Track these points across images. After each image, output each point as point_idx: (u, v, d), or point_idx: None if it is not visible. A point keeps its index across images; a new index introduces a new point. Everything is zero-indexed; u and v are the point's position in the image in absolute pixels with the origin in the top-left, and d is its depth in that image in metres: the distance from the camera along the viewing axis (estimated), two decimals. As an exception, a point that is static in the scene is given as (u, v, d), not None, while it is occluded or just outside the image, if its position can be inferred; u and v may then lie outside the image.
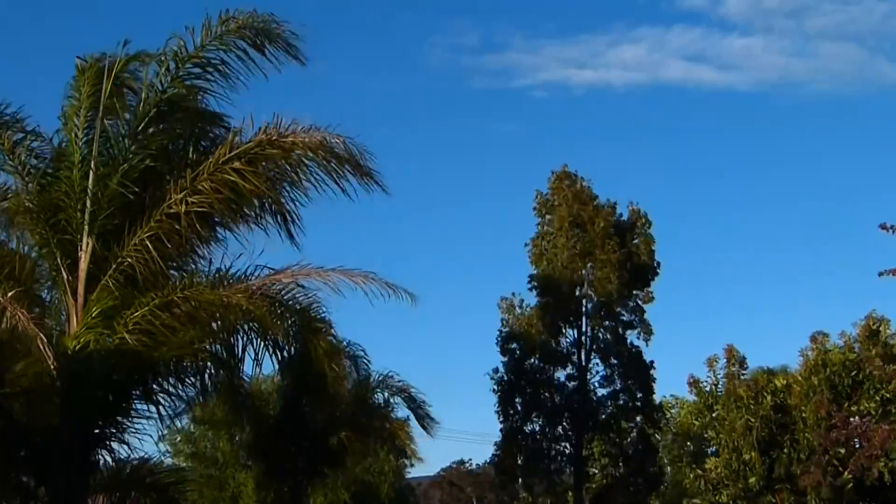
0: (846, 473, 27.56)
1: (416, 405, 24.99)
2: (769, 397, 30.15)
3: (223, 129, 14.34)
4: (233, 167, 13.26)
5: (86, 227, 13.60)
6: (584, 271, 36.85)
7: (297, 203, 13.90)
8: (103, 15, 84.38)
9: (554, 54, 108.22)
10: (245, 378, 22.10)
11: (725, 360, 32.98)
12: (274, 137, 13.41)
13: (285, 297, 14.24)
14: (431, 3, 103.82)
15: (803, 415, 29.28)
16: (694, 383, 34.55)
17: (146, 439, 14.34)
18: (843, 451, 27.04)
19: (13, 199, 14.27)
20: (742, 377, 31.79)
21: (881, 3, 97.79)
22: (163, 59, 13.91)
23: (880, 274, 16.14)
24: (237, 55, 13.96)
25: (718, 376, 33.35)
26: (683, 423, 35.32)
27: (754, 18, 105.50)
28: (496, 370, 37.30)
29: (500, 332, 37.56)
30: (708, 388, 33.99)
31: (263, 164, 13.57)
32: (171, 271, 13.82)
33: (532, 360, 37.29)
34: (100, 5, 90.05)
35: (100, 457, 13.84)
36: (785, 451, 29.40)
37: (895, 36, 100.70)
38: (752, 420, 29.88)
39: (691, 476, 32.08)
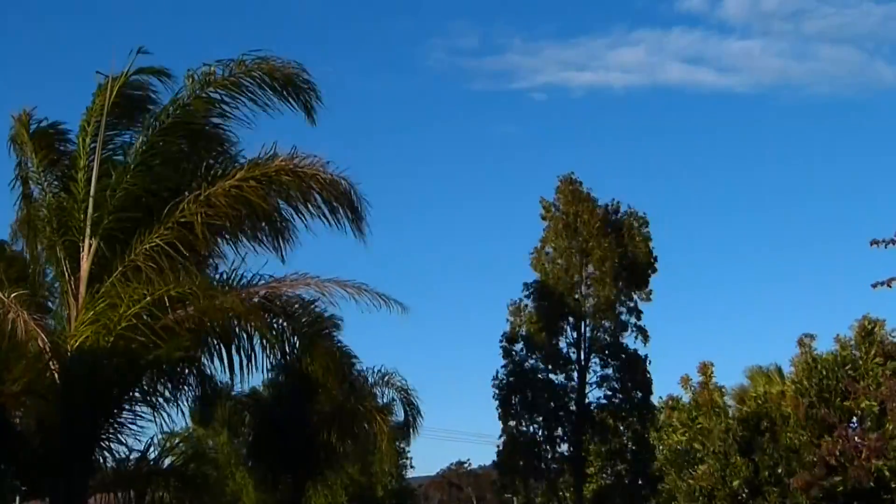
0: (835, 477, 27.65)
1: (412, 408, 25.22)
2: (752, 402, 30.27)
3: (235, 147, 14.99)
4: (250, 186, 13.85)
5: (88, 229, 13.84)
6: (582, 272, 37.06)
7: (299, 225, 14.60)
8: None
9: (553, 56, 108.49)
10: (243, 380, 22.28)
11: (701, 376, 33.18)
12: (291, 167, 14.11)
13: (285, 302, 14.60)
14: (431, 6, 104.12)
15: (788, 417, 29.33)
16: (673, 402, 34.74)
17: (146, 439, 14.50)
18: (835, 460, 27.13)
19: (34, 207, 14.67)
20: (717, 385, 31.97)
21: (879, 6, 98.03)
22: (188, 77, 14.44)
23: (874, 286, 16.10)
24: (260, 90, 14.60)
25: (696, 392, 33.57)
26: (668, 437, 35.51)
27: (753, 21, 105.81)
28: (496, 375, 37.46)
29: (504, 333, 37.77)
30: (688, 402, 34.20)
31: (277, 188, 14.24)
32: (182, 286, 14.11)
33: (532, 361, 37.47)
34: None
35: (99, 457, 13.96)
36: (768, 451, 29.46)
37: (893, 39, 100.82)
38: (731, 422, 30.01)
39: (683, 487, 32.18)
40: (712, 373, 32.46)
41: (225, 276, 14.49)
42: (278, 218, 14.44)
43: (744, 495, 29.41)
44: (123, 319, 13.07)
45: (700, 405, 31.59)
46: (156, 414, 13.96)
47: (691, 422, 32.06)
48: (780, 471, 28.80)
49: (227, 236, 14.46)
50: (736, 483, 29.35)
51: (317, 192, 14.29)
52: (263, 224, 14.44)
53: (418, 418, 25.47)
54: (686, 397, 33.83)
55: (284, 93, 14.61)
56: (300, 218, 14.47)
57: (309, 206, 14.39)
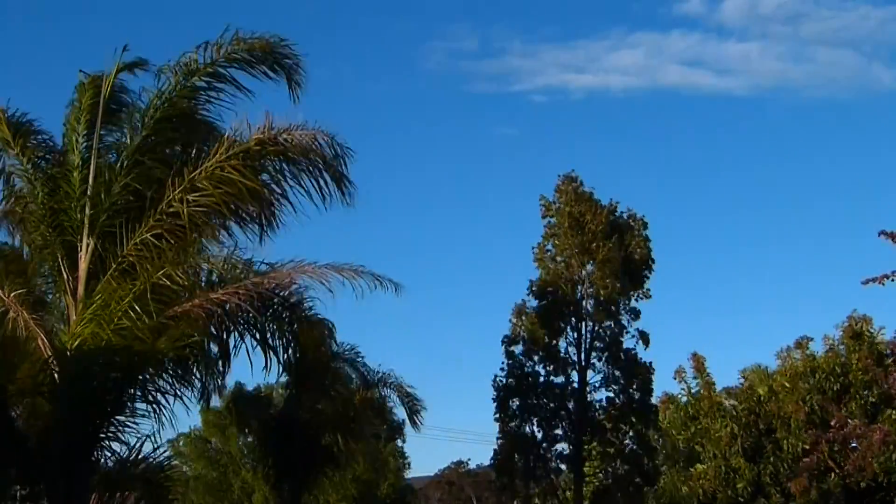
0: (833, 476, 27.68)
1: (409, 401, 25.23)
2: (753, 404, 30.30)
3: (220, 135, 14.52)
4: (232, 165, 13.53)
5: (86, 228, 13.82)
6: (583, 271, 37.06)
7: (290, 204, 14.24)
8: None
9: (552, 59, 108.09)
10: (243, 378, 22.25)
11: (694, 369, 33.10)
12: (272, 137, 13.74)
13: (281, 294, 14.51)
14: (430, 8, 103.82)
15: (790, 420, 29.35)
16: (668, 400, 34.61)
17: (147, 440, 14.45)
18: (835, 449, 27.14)
19: (20, 202, 14.57)
20: (712, 380, 31.99)
21: (877, 10, 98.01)
22: (171, 70, 14.29)
23: (864, 282, 16.12)
24: (243, 74, 14.46)
25: (690, 386, 33.47)
26: (670, 431, 35.42)
27: (751, 24, 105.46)
28: (496, 376, 37.45)
29: (507, 335, 37.75)
30: (685, 400, 34.13)
31: (261, 163, 13.91)
32: (172, 269, 14.04)
33: (533, 361, 37.44)
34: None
35: (99, 456, 13.94)
36: (770, 458, 29.50)
37: (891, 42, 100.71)
38: (737, 428, 30.02)
39: (684, 489, 32.20)
40: (706, 366, 32.36)
41: (219, 266, 14.35)
42: (265, 193, 14.05)
43: (746, 495, 29.47)
44: (118, 312, 12.98)
45: (698, 402, 31.52)
46: (157, 412, 13.90)
47: (690, 421, 32.00)
48: (781, 475, 28.87)
49: (215, 221, 14.13)
50: (741, 485, 29.39)
51: (298, 154, 13.92)
52: (250, 204, 14.05)
53: (418, 415, 25.46)
54: (682, 393, 33.73)
55: (266, 67, 14.39)
56: (287, 189, 14.09)
57: (292, 172, 14.02)
